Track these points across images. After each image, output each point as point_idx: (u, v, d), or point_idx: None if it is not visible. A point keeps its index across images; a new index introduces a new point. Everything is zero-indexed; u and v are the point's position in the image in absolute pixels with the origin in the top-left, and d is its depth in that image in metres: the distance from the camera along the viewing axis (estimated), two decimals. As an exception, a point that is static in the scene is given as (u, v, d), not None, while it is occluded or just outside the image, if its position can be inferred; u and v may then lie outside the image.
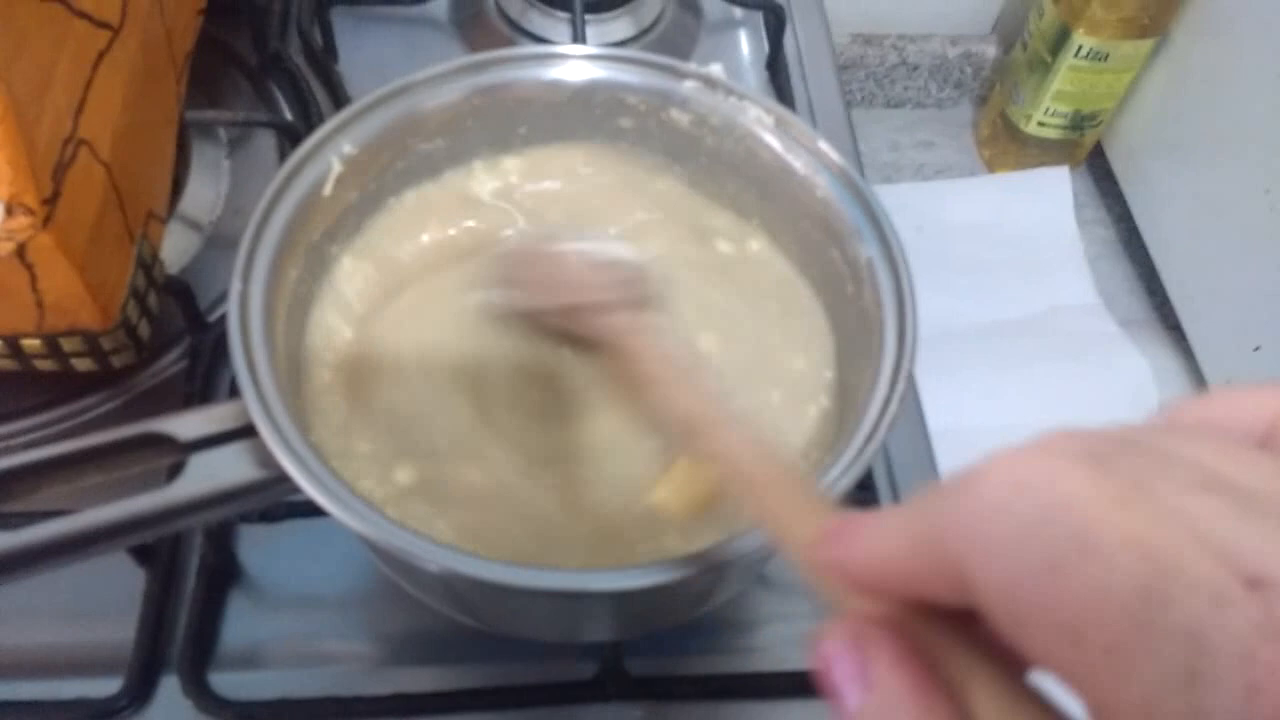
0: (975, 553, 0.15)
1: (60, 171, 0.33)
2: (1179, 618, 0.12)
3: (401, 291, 0.37)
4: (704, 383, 0.29)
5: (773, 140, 0.38)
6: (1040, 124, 1.09)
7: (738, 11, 0.64)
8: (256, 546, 0.40)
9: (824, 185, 0.37)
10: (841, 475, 0.30)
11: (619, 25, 0.61)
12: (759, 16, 0.64)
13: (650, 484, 0.33)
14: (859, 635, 0.17)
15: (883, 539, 0.17)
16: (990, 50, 1.18)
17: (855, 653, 0.17)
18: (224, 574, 0.40)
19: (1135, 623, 0.13)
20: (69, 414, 0.43)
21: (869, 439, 0.31)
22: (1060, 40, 1.01)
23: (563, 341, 0.36)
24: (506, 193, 0.40)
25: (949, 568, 0.15)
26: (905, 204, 1.04)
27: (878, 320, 0.34)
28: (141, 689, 0.37)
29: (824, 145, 0.37)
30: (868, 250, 0.35)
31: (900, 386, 0.32)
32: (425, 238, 0.38)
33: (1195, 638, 0.12)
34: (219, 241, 0.49)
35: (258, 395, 0.28)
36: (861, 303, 0.35)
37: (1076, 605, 0.13)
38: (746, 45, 0.64)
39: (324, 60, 0.57)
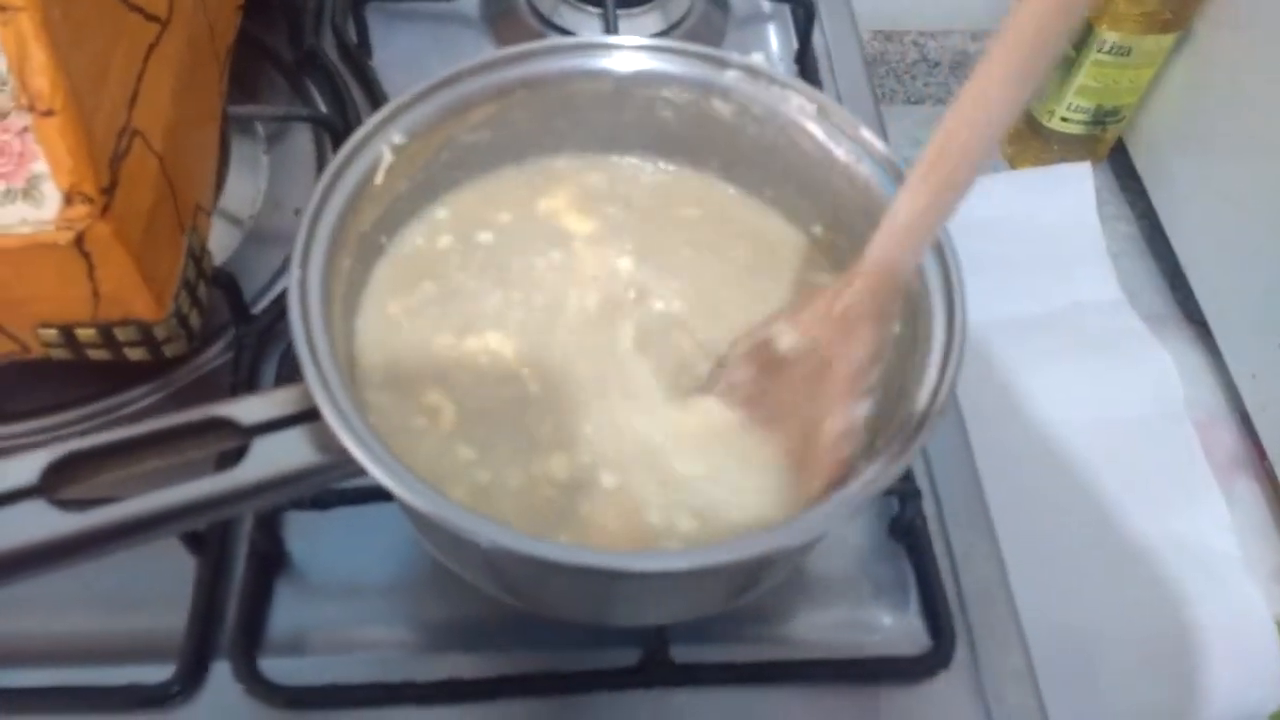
0: None
1: (116, 161, 0.33)
2: None
3: (448, 280, 0.37)
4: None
5: (815, 128, 0.38)
6: (1063, 119, 1.09)
7: (766, 5, 0.65)
8: (304, 534, 0.41)
9: (866, 173, 0.38)
10: (893, 461, 0.30)
11: (649, 20, 0.61)
12: (787, 10, 0.64)
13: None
14: None
15: None
16: (1010, 46, 1.18)
17: None
18: (273, 561, 0.40)
19: None
20: (117, 405, 0.43)
21: (920, 425, 0.31)
22: (1083, 35, 1.01)
23: None
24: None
25: None
26: (926, 200, 1.04)
27: (925, 307, 0.34)
28: (193, 674, 0.37)
29: (866, 133, 0.38)
30: (912, 237, 0.36)
31: (951, 372, 0.32)
32: (478, 234, 0.39)
33: None
34: (259, 236, 0.50)
35: (320, 379, 0.28)
36: (908, 288, 0.36)
37: None
38: (775, 39, 0.64)
39: (358, 56, 0.57)
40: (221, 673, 0.38)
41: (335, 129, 0.52)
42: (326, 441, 0.28)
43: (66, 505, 0.27)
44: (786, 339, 0.33)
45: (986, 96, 0.30)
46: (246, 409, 0.29)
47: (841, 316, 0.32)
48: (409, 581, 0.41)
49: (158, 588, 0.39)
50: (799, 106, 0.38)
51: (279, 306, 0.46)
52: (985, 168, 1.09)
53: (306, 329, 0.30)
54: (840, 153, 0.38)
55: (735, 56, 0.39)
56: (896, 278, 0.32)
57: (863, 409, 0.32)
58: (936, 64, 1.17)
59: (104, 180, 0.32)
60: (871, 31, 1.16)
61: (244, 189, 0.51)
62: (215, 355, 0.45)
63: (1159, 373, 0.99)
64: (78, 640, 0.39)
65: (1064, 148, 1.11)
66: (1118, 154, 1.15)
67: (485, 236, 0.39)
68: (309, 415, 0.29)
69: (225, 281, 0.43)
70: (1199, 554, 0.86)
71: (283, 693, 0.37)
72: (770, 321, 0.34)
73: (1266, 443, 0.94)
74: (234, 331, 0.45)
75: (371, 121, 0.35)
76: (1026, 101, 0.31)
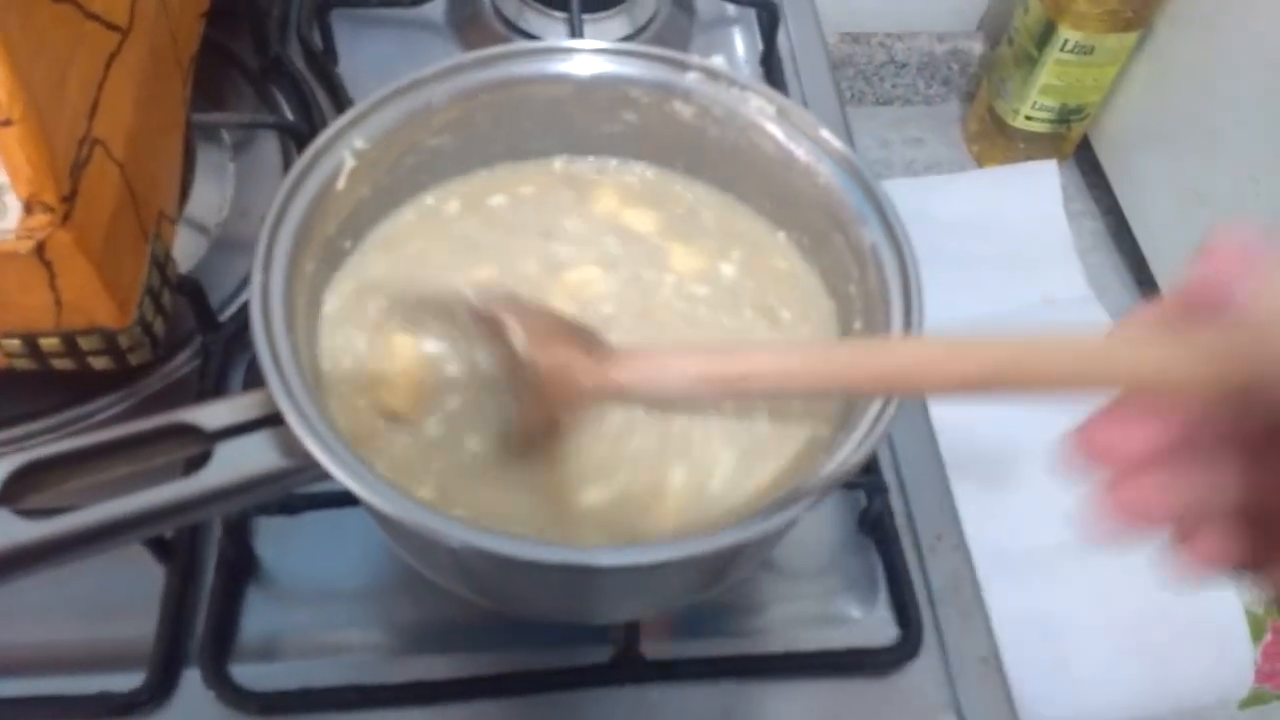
0: None
1: (77, 170, 0.33)
2: None
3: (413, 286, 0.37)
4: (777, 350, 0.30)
5: (775, 129, 0.39)
6: (1028, 118, 1.10)
7: (731, 9, 0.65)
8: (274, 540, 0.41)
9: (826, 172, 0.38)
10: (853, 453, 0.31)
11: (615, 24, 0.62)
12: (752, 14, 0.65)
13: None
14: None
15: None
16: (977, 47, 1.19)
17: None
18: (242, 567, 0.40)
19: None
20: (83, 415, 0.43)
21: (879, 417, 0.31)
22: (1046, 35, 1.02)
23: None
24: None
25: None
26: (896, 200, 1.05)
27: (883, 302, 0.35)
28: (164, 682, 0.37)
29: (825, 133, 0.38)
30: (871, 234, 0.36)
31: (909, 364, 0.32)
32: (437, 239, 0.39)
33: None
34: (226, 244, 0.50)
35: (282, 383, 0.28)
36: (867, 285, 0.36)
37: None
38: (740, 43, 0.65)
39: (324, 63, 0.57)
40: (192, 680, 0.38)
41: (301, 136, 0.52)
42: (290, 445, 0.29)
43: (29, 514, 0.27)
44: (515, 339, 0.31)
45: (774, 372, 0.30)
46: (209, 414, 0.29)
47: (567, 381, 0.31)
48: (380, 584, 0.41)
49: (127, 596, 0.39)
50: (758, 108, 0.39)
51: (246, 314, 0.46)
52: (953, 166, 1.07)
53: (269, 334, 0.30)
54: (800, 153, 0.39)
55: (695, 59, 0.39)
56: (617, 398, 0.32)
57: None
58: (904, 65, 1.18)
59: (64, 189, 0.32)
60: (839, 34, 1.16)
61: (211, 196, 0.51)
62: (182, 363, 0.45)
63: (1127, 366, 1.00)
64: (47, 649, 0.38)
65: (1030, 146, 1.13)
66: (1083, 151, 1.17)
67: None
68: (272, 420, 0.29)
69: (191, 288, 0.43)
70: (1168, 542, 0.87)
71: (254, 698, 0.37)
72: (533, 313, 0.32)
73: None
74: (200, 339, 0.45)
75: (333, 127, 0.35)
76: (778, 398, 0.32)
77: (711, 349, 0.32)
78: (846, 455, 0.31)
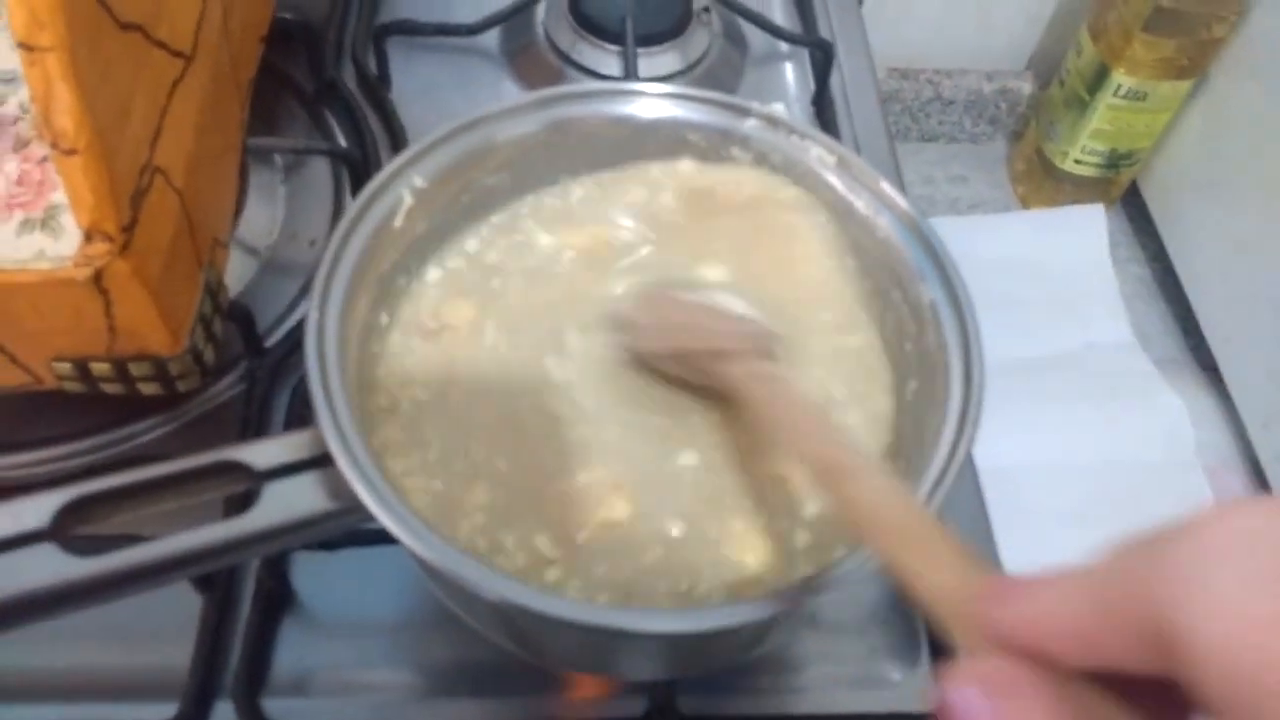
0: (1194, 606, 0.14)
1: (138, 199, 0.33)
2: None
3: (467, 324, 0.37)
4: (835, 427, 0.29)
5: (834, 179, 0.38)
6: (1077, 161, 1.09)
7: (784, 46, 0.65)
8: (311, 574, 0.40)
9: (885, 226, 0.37)
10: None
11: (667, 59, 0.61)
12: (804, 51, 0.65)
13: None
14: (995, 684, 0.17)
15: (1059, 602, 0.17)
16: (1025, 87, 1.18)
17: (986, 700, 0.16)
18: (279, 601, 0.40)
19: None
20: (126, 436, 0.43)
21: (938, 483, 0.30)
22: (1099, 79, 1.01)
23: (678, 384, 0.36)
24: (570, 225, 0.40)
25: (1147, 628, 0.15)
26: (938, 238, 1.04)
27: (942, 363, 0.34)
28: (196, 713, 0.37)
29: (886, 186, 0.38)
30: (931, 292, 0.35)
31: (969, 430, 0.31)
32: (495, 267, 0.38)
33: None
34: (275, 266, 0.50)
35: (334, 425, 0.28)
36: (924, 344, 0.35)
37: None
38: (792, 80, 0.64)
39: (378, 89, 0.57)
40: (225, 712, 0.37)
41: (354, 162, 0.52)
42: (338, 487, 0.28)
43: (77, 549, 0.27)
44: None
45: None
46: (259, 453, 0.29)
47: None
48: (415, 624, 0.40)
49: (164, 625, 0.39)
50: (818, 157, 0.38)
51: (292, 339, 0.46)
52: (997, 206, 1.06)
53: (323, 373, 0.29)
54: (859, 204, 0.38)
55: (756, 105, 0.39)
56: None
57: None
58: (951, 102, 1.18)
59: (124, 218, 0.32)
60: (888, 68, 1.16)
61: (261, 219, 0.52)
62: (227, 387, 0.45)
63: (1170, 417, 0.98)
64: (81, 676, 0.38)
65: (1077, 189, 1.11)
66: (1131, 197, 1.15)
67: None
68: (321, 460, 0.29)
69: (240, 315, 0.43)
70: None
71: (285, 734, 0.37)
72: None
73: (1278, 493, 0.93)
74: (246, 364, 0.45)
75: (393, 165, 0.35)
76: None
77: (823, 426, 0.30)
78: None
